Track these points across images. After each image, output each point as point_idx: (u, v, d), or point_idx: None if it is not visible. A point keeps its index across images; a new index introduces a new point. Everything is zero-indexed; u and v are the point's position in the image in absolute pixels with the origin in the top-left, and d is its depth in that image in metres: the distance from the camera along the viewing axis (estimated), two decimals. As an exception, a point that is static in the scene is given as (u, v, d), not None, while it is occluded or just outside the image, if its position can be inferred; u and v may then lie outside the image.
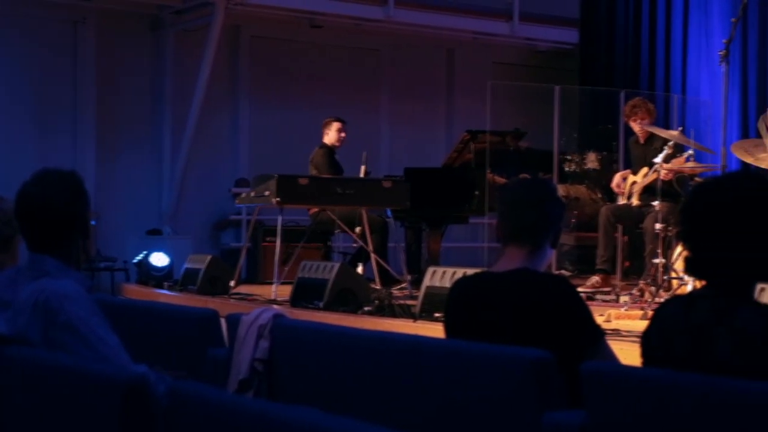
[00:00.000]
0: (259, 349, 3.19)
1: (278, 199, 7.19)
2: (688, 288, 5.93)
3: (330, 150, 8.58)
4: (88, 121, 10.42)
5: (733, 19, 6.60)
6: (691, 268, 2.40)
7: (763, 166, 6.27)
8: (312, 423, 1.73)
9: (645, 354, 2.44)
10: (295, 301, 6.74)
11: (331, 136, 8.58)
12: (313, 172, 8.45)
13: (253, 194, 7.62)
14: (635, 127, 7.70)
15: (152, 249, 9.21)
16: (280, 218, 7.46)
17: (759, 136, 6.65)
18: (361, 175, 8.22)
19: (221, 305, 6.57)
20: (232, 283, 7.65)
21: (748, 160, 6.52)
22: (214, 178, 10.94)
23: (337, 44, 11.49)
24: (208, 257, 7.91)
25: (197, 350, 3.42)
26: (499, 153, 8.93)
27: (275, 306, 6.66)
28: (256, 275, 9.26)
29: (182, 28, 10.72)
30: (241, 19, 10.83)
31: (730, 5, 10.08)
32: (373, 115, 11.70)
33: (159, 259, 9.09)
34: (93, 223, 7.48)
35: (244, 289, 7.77)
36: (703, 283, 2.39)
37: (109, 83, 10.52)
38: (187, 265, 8.11)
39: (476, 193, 8.44)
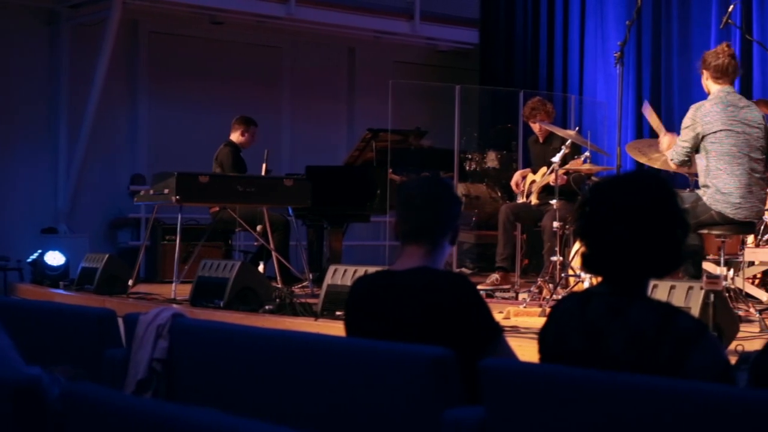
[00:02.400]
0: (157, 349, 3.15)
1: (178, 197, 7.09)
2: (585, 285, 6.05)
3: (236, 148, 8.56)
4: (-20, 117, 10.14)
5: (627, 22, 6.75)
6: (587, 266, 2.45)
7: (656, 165, 6.43)
8: (211, 423, 1.71)
9: (542, 350, 2.48)
10: (195, 300, 6.66)
11: (244, 138, 8.60)
12: (217, 169, 8.40)
13: (152, 192, 7.50)
14: (535, 127, 7.83)
15: (47, 248, 9.00)
16: (179, 216, 7.37)
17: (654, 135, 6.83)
18: (262, 173, 8.18)
19: (119, 305, 6.46)
20: (130, 283, 7.53)
21: (642, 160, 6.68)
22: (111, 175, 10.75)
23: (238, 41, 11.40)
24: (106, 256, 7.77)
25: (94, 351, 3.36)
26: (400, 152, 8.98)
27: (174, 305, 6.56)
28: (155, 274, 9.13)
29: (79, 23, 10.50)
30: (139, 14, 10.67)
31: (625, 8, 10.32)
32: (275, 112, 11.64)
33: (54, 258, 8.88)
34: (-15, 221, 7.26)
35: (142, 288, 7.66)
36: (599, 279, 2.44)
37: (2, 78, 10.24)
38: (83, 264, 7.95)
39: (378, 191, 8.48)
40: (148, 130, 11.05)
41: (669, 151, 5.78)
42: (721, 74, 5.62)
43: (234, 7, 10.70)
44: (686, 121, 5.60)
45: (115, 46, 10.11)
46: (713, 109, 5.52)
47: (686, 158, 5.62)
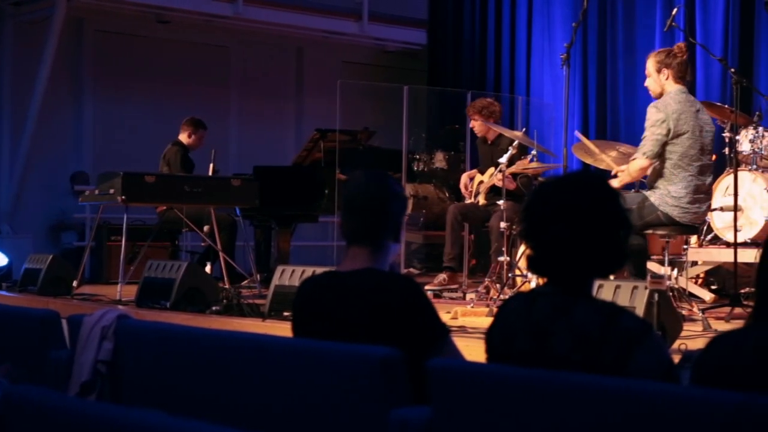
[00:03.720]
0: (102, 350, 3.12)
1: (123, 197, 7.03)
2: (532, 285, 6.08)
3: (184, 148, 8.56)
4: None
5: (573, 24, 6.81)
6: (532, 267, 2.46)
7: (602, 166, 6.49)
8: (157, 425, 1.70)
9: (489, 350, 2.49)
10: (141, 301, 6.60)
11: (192, 140, 8.62)
12: (165, 168, 8.35)
13: (97, 192, 7.43)
14: (474, 127, 7.91)
15: (-10, 249, 8.87)
16: (125, 216, 7.30)
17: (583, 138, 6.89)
18: (210, 173, 8.13)
19: (63, 306, 6.39)
20: (74, 284, 7.44)
21: (588, 161, 6.74)
22: (55, 175, 10.62)
23: (184, 40, 11.31)
24: (50, 257, 7.67)
25: (37, 352, 3.32)
26: (348, 152, 8.96)
27: (120, 306, 6.52)
28: (100, 275, 9.03)
29: (22, 20, 10.36)
30: (84, 12, 10.55)
31: (571, 10, 10.41)
32: (222, 112, 11.57)
33: (-3, 259, 8.76)
34: (-75, 221, 7.11)
35: (88, 289, 7.57)
36: (545, 280, 2.46)
37: (-57, 76, 10.09)
38: (27, 265, 7.84)
39: (326, 191, 8.46)
40: (93, 129, 10.93)
41: (640, 148, 5.70)
42: (684, 73, 5.66)
43: (180, 6, 10.63)
44: (658, 115, 5.51)
45: (60, 44, 9.99)
46: (679, 108, 5.53)
47: (660, 150, 5.57)
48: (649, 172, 5.73)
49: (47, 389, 2.11)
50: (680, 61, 5.64)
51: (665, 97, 5.62)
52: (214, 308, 6.20)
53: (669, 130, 5.52)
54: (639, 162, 5.66)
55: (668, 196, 5.53)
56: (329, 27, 11.74)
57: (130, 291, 6.89)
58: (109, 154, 10.45)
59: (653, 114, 5.57)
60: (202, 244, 8.26)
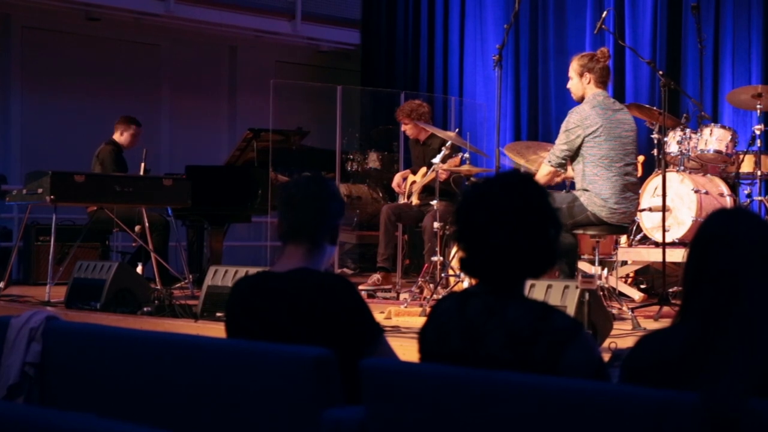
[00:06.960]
0: (30, 352, 3.07)
1: (52, 196, 6.93)
2: (465, 285, 6.12)
3: (118, 147, 8.47)
4: None
5: (505, 26, 6.87)
6: (464, 268, 2.47)
7: (533, 167, 6.55)
8: (87, 428, 1.67)
9: (422, 350, 2.50)
10: (70, 302, 6.51)
11: (124, 137, 8.53)
12: (98, 167, 8.25)
13: (25, 192, 7.30)
14: (405, 131, 7.95)
15: None
16: (54, 216, 7.19)
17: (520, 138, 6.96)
18: (141, 172, 8.04)
19: (-10, 308, 6.28)
20: (1, 285, 7.31)
21: (520, 161, 6.81)
22: (-19, 175, 10.41)
23: (115, 38, 11.17)
24: (-24, 258, 7.54)
25: (-37, 356, 3.25)
26: (282, 152, 8.94)
27: (48, 308, 6.42)
28: (28, 276, 8.87)
29: (-53, 16, 10.16)
30: (10, 8, 10.36)
31: (503, 12, 10.51)
32: (154, 111, 11.45)
33: None
34: None
35: (15, 290, 7.45)
36: (477, 280, 2.47)
37: None
38: (-48, 267, 7.69)
39: (259, 191, 8.42)
40: (21, 128, 10.73)
41: (548, 154, 5.85)
42: (606, 78, 5.76)
43: (111, 3, 10.49)
44: (569, 125, 5.66)
45: (-14, 40, 9.81)
46: (592, 113, 5.63)
47: (564, 161, 5.72)
48: (573, 175, 5.83)
49: (-27, 393, 2.07)
50: (602, 66, 5.74)
51: (583, 103, 5.72)
52: (145, 309, 6.14)
53: (579, 137, 5.60)
54: (543, 168, 5.81)
55: (596, 197, 5.61)
56: (262, 26, 11.69)
57: (59, 292, 6.79)
58: (37, 154, 10.28)
59: (570, 121, 5.67)
60: (134, 244, 8.17)
